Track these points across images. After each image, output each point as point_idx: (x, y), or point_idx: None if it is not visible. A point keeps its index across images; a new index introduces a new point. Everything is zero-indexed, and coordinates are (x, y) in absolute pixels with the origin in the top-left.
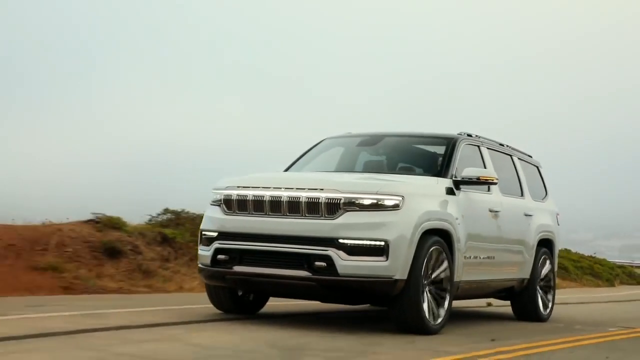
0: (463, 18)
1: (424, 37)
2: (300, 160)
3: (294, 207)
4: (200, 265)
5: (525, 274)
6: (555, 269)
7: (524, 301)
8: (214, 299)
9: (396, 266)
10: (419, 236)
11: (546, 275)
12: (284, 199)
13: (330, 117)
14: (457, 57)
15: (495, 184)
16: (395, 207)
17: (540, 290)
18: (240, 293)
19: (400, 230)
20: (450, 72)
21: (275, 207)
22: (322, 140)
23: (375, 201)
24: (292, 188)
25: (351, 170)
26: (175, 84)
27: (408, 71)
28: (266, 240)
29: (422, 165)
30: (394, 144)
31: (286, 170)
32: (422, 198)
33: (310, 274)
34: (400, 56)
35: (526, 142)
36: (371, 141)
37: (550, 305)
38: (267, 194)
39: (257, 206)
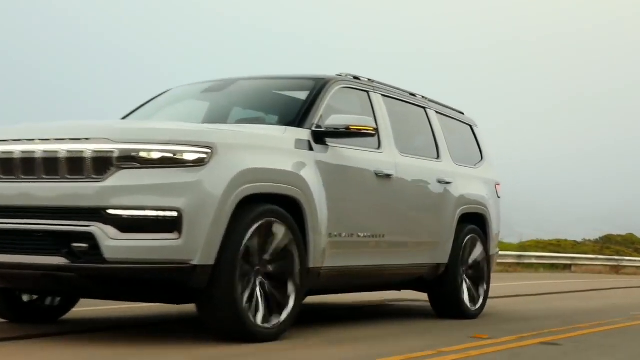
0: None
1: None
2: (138, 112)
3: (51, 166)
4: None
5: (441, 258)
6: (491, 252)
7: (443, 293)
8: None
9: (194, 246)
10: (234, 204)
11: (475, 261)
12: (39, 154)
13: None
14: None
15: (371, 135)
16: (199, 162)
17: (467, 280)
18: (34, 296)
19: (202, 194)
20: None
21: (28, 166)
22: (167, 90)
23: (168, 154)
24: (49, 140)
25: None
26: None
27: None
28: (13, 214)
29: (277, 114)
30: (247, 89)
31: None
32: (249, 152)
33: (67, 262)
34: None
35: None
36: (218, 87)
37: (481, 299)
38: (17, 149)
39: (6, 167)
